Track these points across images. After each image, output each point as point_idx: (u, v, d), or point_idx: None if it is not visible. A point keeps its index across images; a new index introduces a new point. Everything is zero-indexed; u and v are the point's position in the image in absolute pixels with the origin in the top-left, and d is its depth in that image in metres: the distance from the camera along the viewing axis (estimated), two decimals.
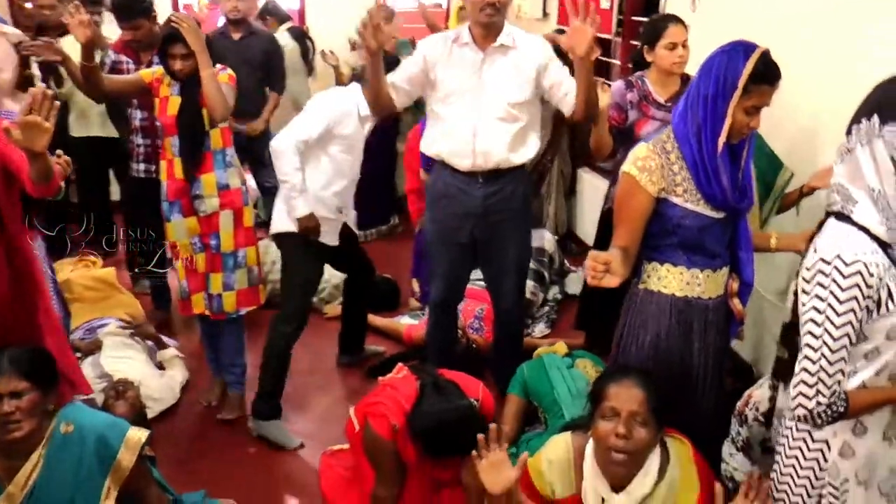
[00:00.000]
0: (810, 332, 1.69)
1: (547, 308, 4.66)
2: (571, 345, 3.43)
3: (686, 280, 2.29)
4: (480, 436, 2.03)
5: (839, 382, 1.69)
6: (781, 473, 1.91)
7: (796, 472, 1.87)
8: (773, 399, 2.63)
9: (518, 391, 3.22)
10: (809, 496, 1.86)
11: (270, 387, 3.49)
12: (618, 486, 2.04)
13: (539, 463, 2.18)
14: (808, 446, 1.83)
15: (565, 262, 5.11)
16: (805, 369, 1.70)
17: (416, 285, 4.71)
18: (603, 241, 3.13)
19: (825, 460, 1.81)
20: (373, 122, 3.50)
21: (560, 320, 4.63)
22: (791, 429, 1.87)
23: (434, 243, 3.35)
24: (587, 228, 5.71)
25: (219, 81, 3.22)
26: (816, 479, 1.83)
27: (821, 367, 1.68)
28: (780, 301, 3.26)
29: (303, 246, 3.44)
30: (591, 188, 5.59)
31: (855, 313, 1.65)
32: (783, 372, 1.97)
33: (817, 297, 1.68)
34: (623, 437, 1.96)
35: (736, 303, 2.37)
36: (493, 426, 2.06)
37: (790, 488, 1.89)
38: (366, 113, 3.35)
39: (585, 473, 2.09)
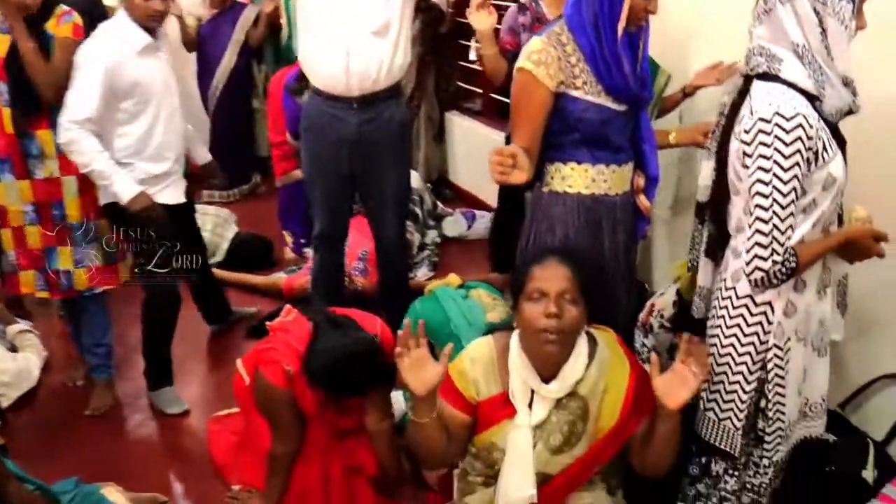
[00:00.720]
0: (759, 194, 1.66)
1: (427, 251, 4.55)
2: (464, 278, 3.27)
3: (591, 177, 2.18)
4: (400, 332, 1.87)
5: (790, 238, 1.67)
6: (722, 346, 1.88)
7: (739, 340, 1.84)
8: (676, 303, 2.61)
9: None
10: (755, 362, 1.84)
11: (155, 355, 3.20)
12: (548, 375, 1.91)
13: (461, 363, 2.00)
14: (750, 312, 1.80)
15: (439, 205, 4.99)
16: (758, 231, 1.68)
17: (288, 238, 4.47)
18: None
19: (769, 322, 1.80)
20: (165, 40, 3.07)
21: (442, 263, 4.52)
22: (730, 298, 1.83)
23: (312, 175, 3.14)
24: (460, 172, 5.60)
25: (39, 58, 2.76)
26: (761, 342, 1.82)
27: (774, 225, 1.65)
28: (667, 213, 3.25)
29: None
30: (462, 131, 5.47)
31: (800, 167, 1.63)
32: (715, 247, 1.93)
33: (761, 157, 1.65)
34: (554, 315, 1.82)
35: (642, 199, 2.30)
36: (406, 320, 1.91)
37: (733, 357, 1.86)
38: (143, 44, 2.88)
39: (512, 368, 1.94)
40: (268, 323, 2.50)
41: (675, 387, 1.80)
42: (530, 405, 1.93)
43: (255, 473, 2.65)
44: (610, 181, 2.21)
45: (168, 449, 3.01)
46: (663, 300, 2.76)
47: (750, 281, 1.73)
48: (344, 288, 3.55)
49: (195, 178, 3.49)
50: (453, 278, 3.16)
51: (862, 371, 2.60)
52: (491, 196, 4.21)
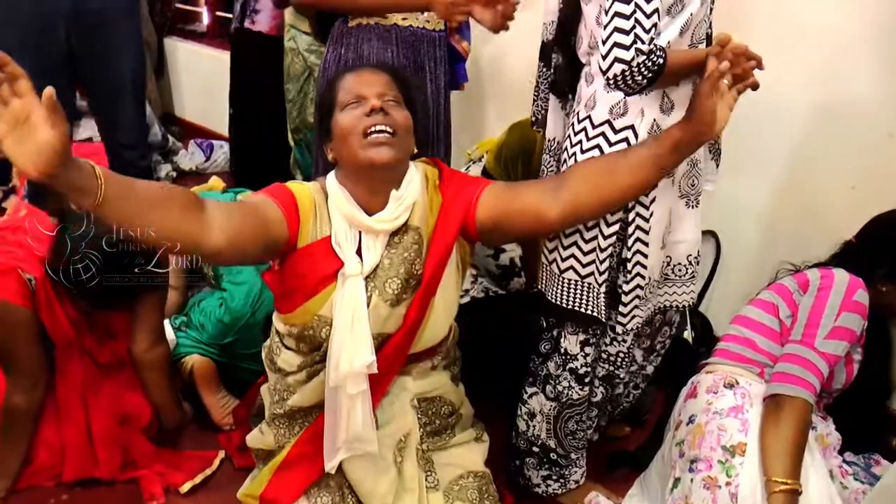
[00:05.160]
0: None
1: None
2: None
3: None
4: None
5: (655, 27, 1.40)
6: None
7: None
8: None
9: None
10: None
11: None
12: (377, 208, 1.54)
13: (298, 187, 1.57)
14: (609, 140, 1.55)
15: (170, 139, 4.37)
16: (618, 14, 1.38)
17: None
18: None
19: None
20: None
21: None
22: (585, 130, 1.58)
23: (15, 58, 2.42)
24: (188, 107, 4.96)
25: None
26: None
27: (636, 6, 1.37)
28: None
29: None
30: (185, 57, 4.83)
31: None
32: (563, 78, 1.68)
33: None
34: (379, 110, 1.48)
35: (458, 38, 2.01)
36: None
37: None
38: None
39: (333, 210, 1.55)
40: None
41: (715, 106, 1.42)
42: (359, 253, 1.55)
43: None
44: (428, 12, 1.88)
45: None
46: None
47: (608, 80, 1.44)
48: None
49: None
50: (216, 182, 2.67)
51: None
52: (226, 127, 3.71)
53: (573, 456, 1.92)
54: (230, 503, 1.78)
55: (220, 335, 2.26)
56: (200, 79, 4.71)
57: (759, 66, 1.44)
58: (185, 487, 1.98)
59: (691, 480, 1.70)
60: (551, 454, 1.89)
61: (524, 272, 2.46)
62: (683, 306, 1.81)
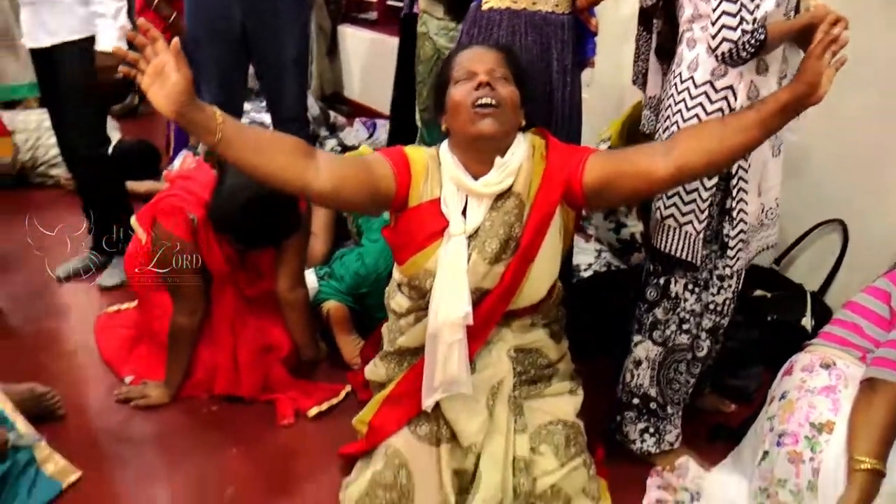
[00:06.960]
0: None
1: None
2: None
3: None
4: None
5: (759, 8, 1.52)
6: None
7: None
8: None
9: None
10: None
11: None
12: (483, 172, 1.69)
13: (411, 150, 1.76)
14: (710, 98, 1.68)
15: (331, 113, 4.72)
16: None
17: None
18: None
19: (731, 108, 1.67)
20: None
21: None
22: (687, 89, 1.71)
23: (199, 40, 2.80)
24: (356, 87, 5.32)
25: None
26: None
27: None
28: None
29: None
30: (356, 42, 5.19)
31: None
32: (666, 44, 1.82)
33: None
34: (486, 84, 1.63)
35: (587, 15, 2.11)
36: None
37: None
38: None
39: (444, 174, 1.71)
40: (165, 172, 2.18)
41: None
42: (464, 214, 1.70)
43: (151, 365, 2.37)
44: None
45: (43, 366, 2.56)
46: None
47: (717, 56, 1.58)
48: None
49: None
50: (366, 149, 2.92)
51: (795, 227, 2.57)
52: (387, 107, 3.96)
53: (670, 410, 1.99)
54: (347, 428, 2.00)
55: (355, 286, 2.51)
56: (367, 62, 5.04)
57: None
58: (313, 412, 2.22)
59: (777, 454, 1.74)
60: (651, 403, 1.98)
61: (644, 248, 2.55)
62: (770, 246, 1.96)
